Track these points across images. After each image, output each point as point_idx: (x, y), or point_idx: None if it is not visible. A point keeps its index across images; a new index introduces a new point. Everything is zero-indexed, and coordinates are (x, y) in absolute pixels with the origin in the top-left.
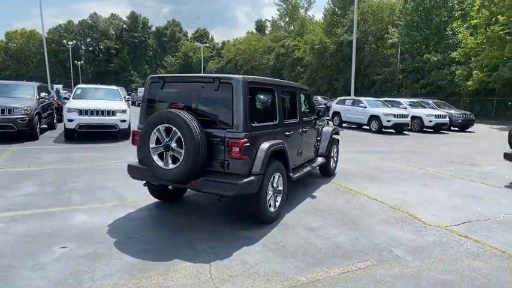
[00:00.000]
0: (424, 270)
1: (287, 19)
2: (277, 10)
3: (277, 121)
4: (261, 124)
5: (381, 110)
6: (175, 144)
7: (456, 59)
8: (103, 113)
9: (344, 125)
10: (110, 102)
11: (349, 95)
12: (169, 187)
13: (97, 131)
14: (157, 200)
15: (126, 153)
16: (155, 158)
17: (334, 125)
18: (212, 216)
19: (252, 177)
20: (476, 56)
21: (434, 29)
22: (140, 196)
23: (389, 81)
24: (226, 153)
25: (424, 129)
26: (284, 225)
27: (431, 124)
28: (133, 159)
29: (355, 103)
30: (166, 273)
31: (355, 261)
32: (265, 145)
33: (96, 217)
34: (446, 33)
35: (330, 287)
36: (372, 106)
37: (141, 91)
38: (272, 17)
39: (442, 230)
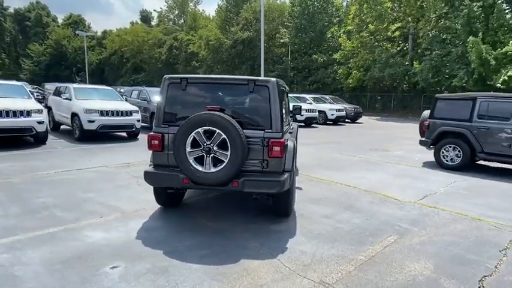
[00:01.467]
0: (433, 237)
1: (176, 12)
2: (166, 2)
3: (286, 120)
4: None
5: (304, 106)
6: (216, 147)
7: (337, 60)
8: (15, 114)
9: None
10: (17, 100)
11: None
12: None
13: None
14: (157, 206)
15: (56, 160)
16: (192, 161)
17: None
18: (227, 216)
19: (287, 174)
20: (353, 58)
21: (319, 32)
22: (134, 205)
23: (282, 78)
24: (265, 153)
25: (327, 122)
26: (301, 216)
27: (333, 117)
28: (68, 168)
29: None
30: (248, 274)
31: (384, 237)
32: (291, 143)
33: (112, 232)
34: (328, 36)
35: (385, 260)
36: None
37: (50, 88)
38: (161, 8)
39: (416, 204)
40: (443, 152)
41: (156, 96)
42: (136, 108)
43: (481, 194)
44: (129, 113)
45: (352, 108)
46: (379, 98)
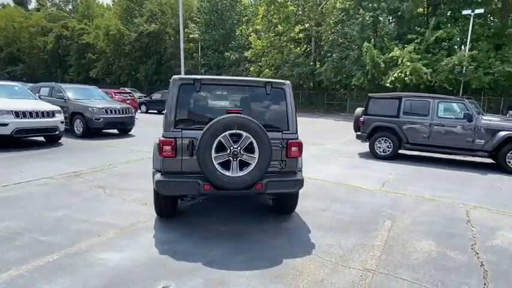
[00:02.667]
0: (415, 218)
1: None
2: None
3: None
4: None
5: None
6: (243, 151)
7: (248, 58)
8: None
9: None
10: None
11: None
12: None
13: None
14: (152, 218)
15: None
16: (217, 166)
17: None
18: (234, 219)
19: (301, 173)
20: (264, 57)
21: (229, 30)
22: (125, 219)
23: (193, 74)
24: (283, 154)
25: None
26: (301, 211)
27: None
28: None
29: None
30: (301, 272)
31: (381, 223)
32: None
33: (128, 251)
34: (237, 34)
35: (398, 242)
36: None
37: None
38: None
39: (382, 192)
40: (376, 144)
41: (71, 93)
42: (58, 108)
43: (419, 178)
44: (50, 114)
45: None
46: None
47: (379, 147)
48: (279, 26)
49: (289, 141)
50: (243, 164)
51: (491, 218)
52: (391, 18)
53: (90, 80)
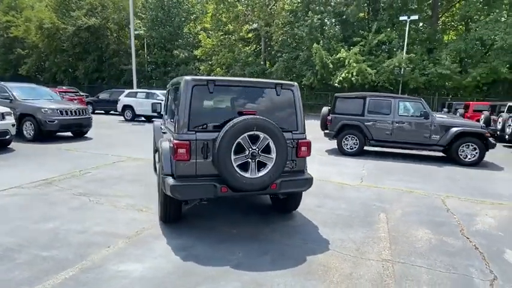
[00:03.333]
0: (403, 209)
1: None
2: None
3: None
4: None
5: None
6: (260, 152)
7: (198, 57)
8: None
9: (141, 118)
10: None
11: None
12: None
13: None
14: (155, 225)
15: None
16: (237, 168)
17: (125, 118)
18: (240, 220)
19: (307, 172)
20: (215, 56)
21: (177, 27)
22: (127, 227)
23: (139, 72)
24: (293, 154)
25: None
26: (302, 209)
27: None
28: None
29: (149, 96)
30: (329, 267)
31: (376, 216)
32: None
33: (148, 260)
34: (185, 31)
35: (399, 233)
36: None
37: None
38: None
39: (364, 187)
40: (344, 141)
41: (17, 93)
42: (8, 109)
43: (389, 172)
44: (0, 116)
45: None
46: None
47: (346, 144)
48: (229, 25)
49: (299, 141)
50: (260, 165)
51: (464, 205)
52: (336, 21)
53: (19, 78)
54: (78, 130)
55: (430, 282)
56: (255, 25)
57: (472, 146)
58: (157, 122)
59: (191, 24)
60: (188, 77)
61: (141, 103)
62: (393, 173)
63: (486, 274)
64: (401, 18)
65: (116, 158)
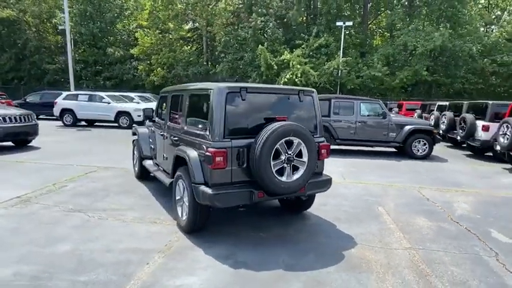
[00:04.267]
0: (394, 201)
1: None
2: None
3: None
4: None
5: (130, 106)
6: (294, 156)
7: (135, 55)
8: None
9: (82, 123)
10: None
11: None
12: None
13: None
14: (176, 235)
15: None
16: (275, 173)
17: (64, 123)
18: (260, 222)
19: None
20: (155, 55)
21: (109, 23)
22: (151, 241)
23: (66, 72)
24: (316, 156)
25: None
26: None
27: (140, 119)
28: None
29: (92, 98)
30: (369, 260)
31: (377, 209)
32: None
33: (201, 272)
34: (119, 28)
35: (406, 222)
36: (116, 101)
37: None
38: None
39: (350, 184)
40: None
41: None
42: None
43: (362, 168)
44: None
45: None
46: None
47: None
48: (169, 23)
49: (320, 144)
50: (294, 169)
51: (438, 194)
52: (278, 24)
53: None
54: (24, 139)
55: (453, 263)
56: (196, 24)
57: (422, 141)
58: (142, 128)
59: (125, 21)
60: (222, 85)
61: (84, 106)
62: (365, 169)
63: (489, 251)
64: (337, 23)
65: (84, 168)
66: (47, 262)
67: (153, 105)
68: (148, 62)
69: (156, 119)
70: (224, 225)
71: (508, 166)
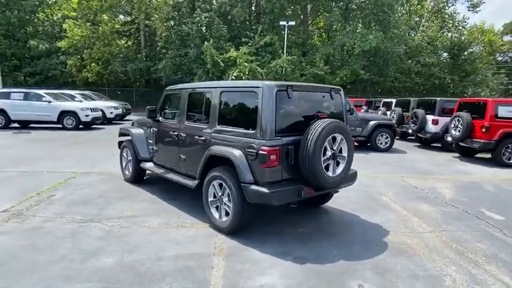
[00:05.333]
0: (390, 190)
1: None
2: None
3: None
4: None
5: (75, 105)
6: (338, 152)
7: (63, 49)
8: None
9: (14, 124)
10: None
11: None
12: None
13: None
14: (222, 236)
15: None
16: (323, 169)
17: None
18: (280, 219)
19: None
20: (88, 49)
21: (30, 12)
22: (196, 246)
23: None
24: None
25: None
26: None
27: (88, 119)
28: None
29: (29, 97)
30: (408, 243)
31: (380, 198)
32: None
33: (269, 272)
34: (40, 18)
35: (411, 209)
36: (58, 100)
37: None
38: None
39: None
40: None
41: None
42: None
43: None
44: None
45: (121, 106)
46: (119, 92)
47: None
48: (103, 15)
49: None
50: (336, 164)
51: (419, 182)
52: (222, 21)
53: None
54: None
55: (475, 240)
56: (132, 17)
57: (385, 135)
58: (135, 128)
59: (48, 11)
60: (270, 83)
61: (19, 106)
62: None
63: (493, 228)
64: (281, 22)
65: (59, 175)
66: (101, 278)
67: (98, 103)
68: (80, 56)
69: (160, 118)
70: (258, 225)
71: (456, 155)
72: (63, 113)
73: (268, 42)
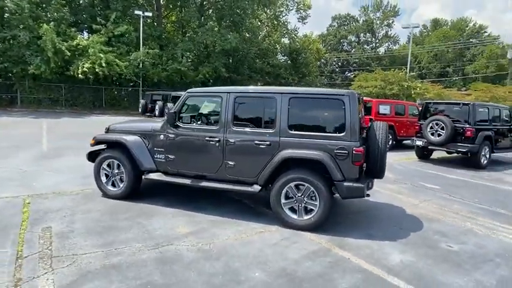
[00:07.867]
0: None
1: None
2: None
3: None
4: None
5: None
6: None
7: None
8: None
9: None
10: None
11: None
12: None
13: None
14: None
15: None
16: None
17: None
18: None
19: None
20: None
21: None
22: (301, 252)
23: None
24: None
25: None
26: None
27: None
28: None
29: None
30: (442, 221)
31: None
32: None
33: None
34: None
35: (424, 191)
36: None
37: None
38: None
39: None
40: None
41: None
42: None
43: None
44: None
45: None
46: None
47: None
48: None
49: None
50: None
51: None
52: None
53: None
54: None
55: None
56: None
57: None
58: (129, 136)
59: None
60: (353, 91)
61: None
62: None
63: None
64: (136, 12)
65: (15, 200)
66: None
67: None
68: None
69: (181, 124)
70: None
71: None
72: None
73: (123, 32)
